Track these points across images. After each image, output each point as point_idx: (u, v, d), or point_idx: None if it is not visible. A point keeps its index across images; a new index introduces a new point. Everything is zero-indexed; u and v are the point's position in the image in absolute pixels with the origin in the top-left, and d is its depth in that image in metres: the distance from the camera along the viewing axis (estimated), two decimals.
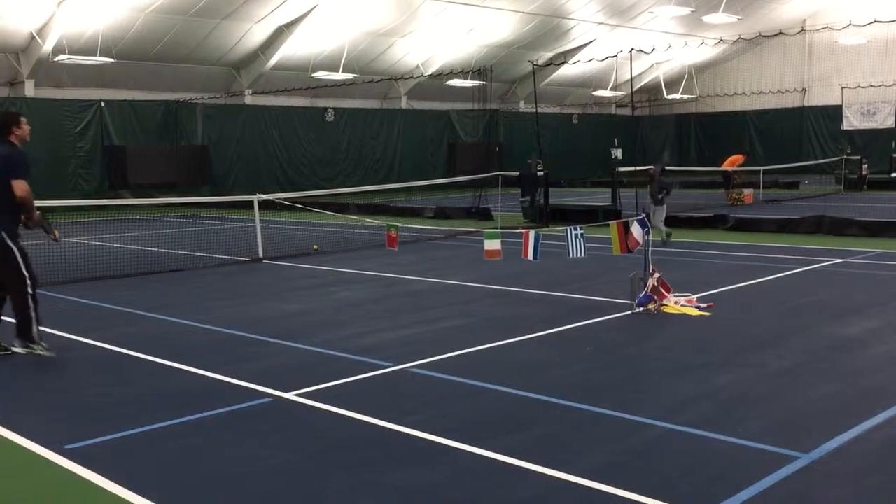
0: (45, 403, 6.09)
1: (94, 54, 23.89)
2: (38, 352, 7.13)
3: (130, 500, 4.27)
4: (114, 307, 9.61)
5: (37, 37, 23.73)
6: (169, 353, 7.23)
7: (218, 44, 27.20)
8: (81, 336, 8.02)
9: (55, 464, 4.78)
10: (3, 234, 6.98)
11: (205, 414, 5.60)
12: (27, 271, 7.08)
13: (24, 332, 7.11)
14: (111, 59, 24.25)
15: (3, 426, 5.41)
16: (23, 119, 7.26)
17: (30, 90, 25.25)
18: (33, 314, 7.08)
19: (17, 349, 7.16)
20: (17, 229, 7.10)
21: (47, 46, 23.67)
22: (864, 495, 4.23)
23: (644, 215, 9.16)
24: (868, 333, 7.70)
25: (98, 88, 26.73)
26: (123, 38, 24.81)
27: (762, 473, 4.41)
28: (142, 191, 26.32)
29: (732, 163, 24.24)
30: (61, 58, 23.66)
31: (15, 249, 7.04)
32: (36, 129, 25.27)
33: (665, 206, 14.50)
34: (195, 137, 28.47)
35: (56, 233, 7.47)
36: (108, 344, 7.67)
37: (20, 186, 6.90)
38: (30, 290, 7.08)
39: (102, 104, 26.37)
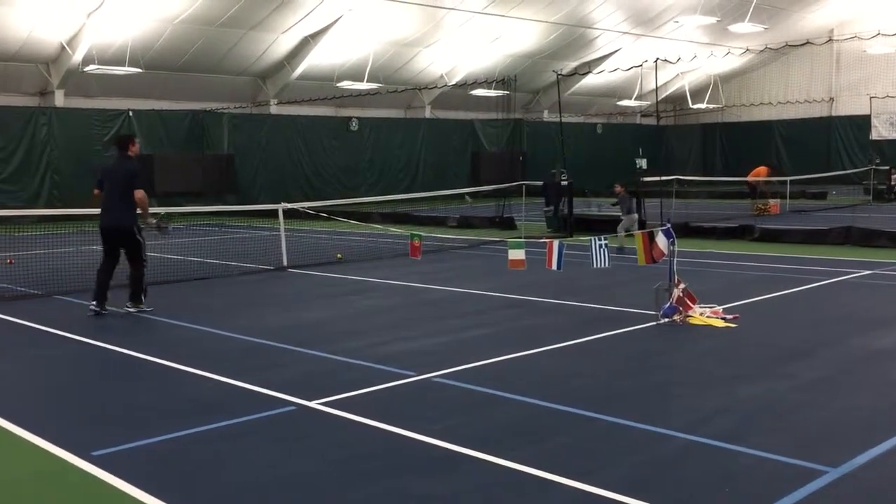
0: (71, 409, 6.15)
1: (123, 64, 24.22)
2: (146, 310, 9.56)
3: None
4: (141, 315, 9.69)
5: (67, 47, 24.10)
6: (194, 361, 7.28)
7: (244, 54, 27.46)
8: (108, 343, 8.11)
9: (83, 470, 4.83)
10: (134, 227, 9.54)
11: (230, 422, 5.63)
12: (144, 253, 9.70)
13: (138, 297, 9.59)
14: (139, 70, 24.57)
15: (31, 432, 5.48)
16: (136, 139, 10.10)
17: (59, 100, 25.64)
18: (145, 284, 9.70)
19: (130, 310, 9.51)
20: (138, 222, 9.73)
21: (77, 57, 24.03)
22: None
23: (669, 225, 9.10)
24: None
25: (126, 98, 27.08)
26: (152, 49, 25.13)
27: (790, 488, 4.35)
28: (168, 199, 26.58)
29: (757, 174, 24.07)
30: (91, 68, 24.00)
31: (139, 236, 9.63)
32: (65, 139, 25.92)
33: (634, 216, 15.62)
34: (221, 146, 28.72)
35: (156, 222, 10.30)
36: (134, 351, 7.74)
37: (140, 194, 9.48)
38: (145, 266, 9.69)
39: (130, 114, 26.68)
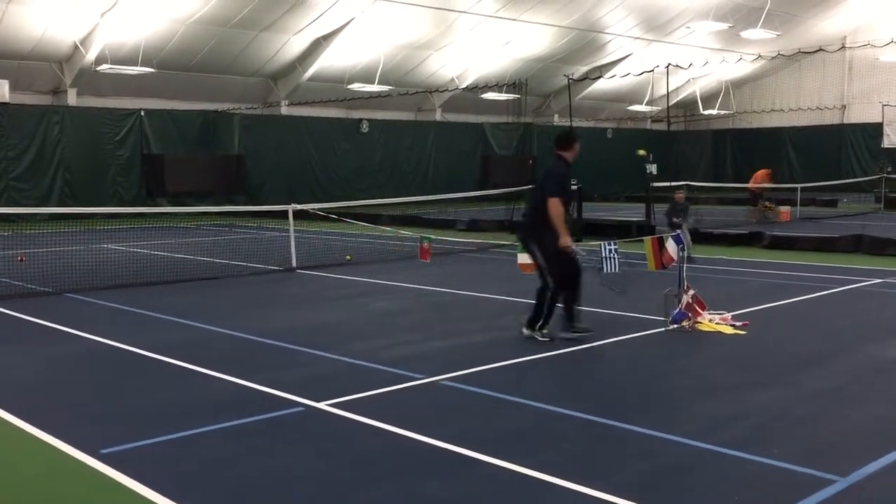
0: (81, 407, 6.17)
1: (136, 64, 24.34)
2: (575, 335, 7.93)
3: None
4: (150, 313, 9.74)
5: (80, 47, 24.23)
6: (203, 360, 7.30)
7: (256, 55, 27.55)
8: (118, 341, 8.14)
9: (92, 468, 4.85)
10: (536, 241, 7.87)
11: (238, 422, 5.65)
12: (562, 276, 7.85)
13: (567, 319, 7.99)
14: (152, 70, 24.69)
15: (40, 429, 5.50)
16: (574, 140, 8.04)
17: (72, 99, 25.77)
18: (566, 309, 7.96)
19: (562, 335, 7.96)
20: (553, 240, 7.75)
21: (90, 56, 24.16)
22: None
23: (679, 232, 9.07)
24: None
25: (138, 98, 27.21)
26: (164, 49, 25.25)
27: (798, 497, 4.34)
28: (179, 199, 26.67)
29: (756, 179, 23.93)
30: (103, 67, 24.13)
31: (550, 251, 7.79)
32: (77, 138, 26.05)
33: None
34: (232, 147, 28.80)
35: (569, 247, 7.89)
36: (145, 350, 7.77)
37: (551, 204, 7.66)
38: (561, 291, 7.89)
39: (142, 113, 26.81)
